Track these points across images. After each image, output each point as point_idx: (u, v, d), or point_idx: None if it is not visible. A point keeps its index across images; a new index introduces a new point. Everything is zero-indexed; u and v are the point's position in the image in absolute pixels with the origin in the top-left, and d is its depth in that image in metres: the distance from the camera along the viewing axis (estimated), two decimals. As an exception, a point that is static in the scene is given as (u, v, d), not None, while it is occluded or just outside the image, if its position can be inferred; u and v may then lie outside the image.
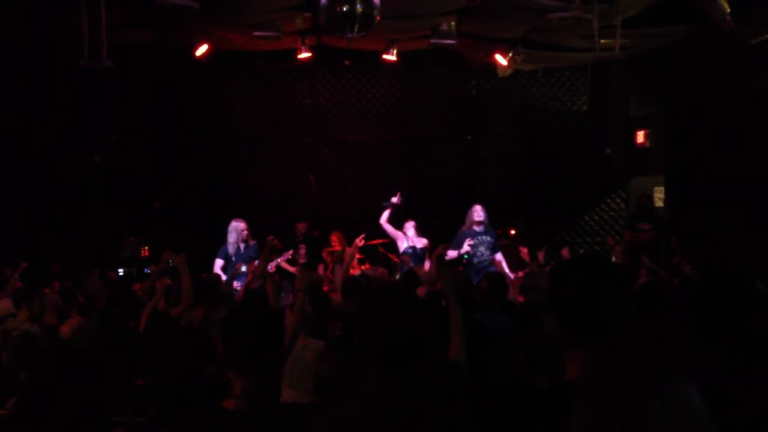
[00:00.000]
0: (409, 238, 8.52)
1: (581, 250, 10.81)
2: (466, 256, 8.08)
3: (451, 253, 8.13)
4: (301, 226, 10.08)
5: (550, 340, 3.21)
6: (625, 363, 1.32)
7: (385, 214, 8.53)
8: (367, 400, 1.96)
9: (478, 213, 8.24)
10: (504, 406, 2.61)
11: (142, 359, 3.10)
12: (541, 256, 7.21)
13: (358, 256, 8.41)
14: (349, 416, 1.95)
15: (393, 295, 2.16)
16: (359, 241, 7.51)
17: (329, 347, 3.80)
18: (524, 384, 2.92)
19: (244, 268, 7.54)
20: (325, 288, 6.75)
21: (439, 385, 2.53)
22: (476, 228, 8.20)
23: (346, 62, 11.24)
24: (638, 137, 10.36)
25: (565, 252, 7.64)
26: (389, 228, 8.57)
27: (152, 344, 3.16)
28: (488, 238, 8.29)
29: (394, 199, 8.54)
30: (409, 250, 8.39)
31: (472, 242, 8.13)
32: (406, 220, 8.63)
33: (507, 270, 7.95)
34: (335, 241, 9.60)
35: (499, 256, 8.19)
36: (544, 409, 2.13)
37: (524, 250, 7.54)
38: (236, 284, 7.01)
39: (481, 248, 8.19)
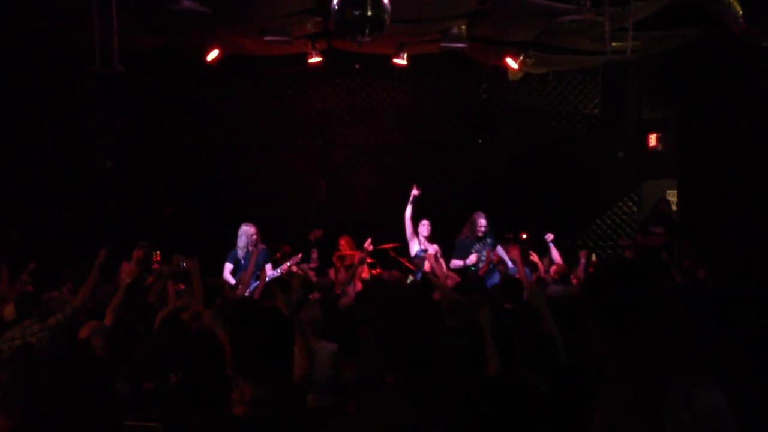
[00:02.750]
0: (422, 241, 8.55)
1: (593, 255, 10.74)
2: (473, 268, 8.20)
3: (456, 263, 8.25)
4: (317, 233, 10.10)
5: (548, 345, 3.20)
6: (649, 364, 1.32)
7: (409, 209, 8.58)
8: (384, 406, 1.94)
9: (481, 227, 8.34)
10: (511, 407, 2.60)
11: (149, 363, 3.09)
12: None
13: (368, 260, 8.43)
14: (366, 422, 1.94)
15: (412, 300, 2.15)
16: (368, 246, 7.52)
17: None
18: (527, 385, 2.90)
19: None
20: (337, 291, 6.80)
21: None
22: (479, 235, 8.35)
23: (357, 66, 11.23)
24: (650, 140, 10.29)
25: (582, 255, 7.74)
26: (408, 225, 8.61)
27: (159, 348, 3.15)
28: (489, 240, 8.42)
29: (414, 192, 8.57)
30: (421, 254, 8.40)
31: (477, 253, 8.25)
32: (421, 219, 8.66)
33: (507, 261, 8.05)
34: (344, 246, 9.60)
35: (500, 250, 8.22)
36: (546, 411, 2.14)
37: (550, 237, 8.06)
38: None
39: (484, 253, 8.29)
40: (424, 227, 8.65)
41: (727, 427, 1.25)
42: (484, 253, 8.27)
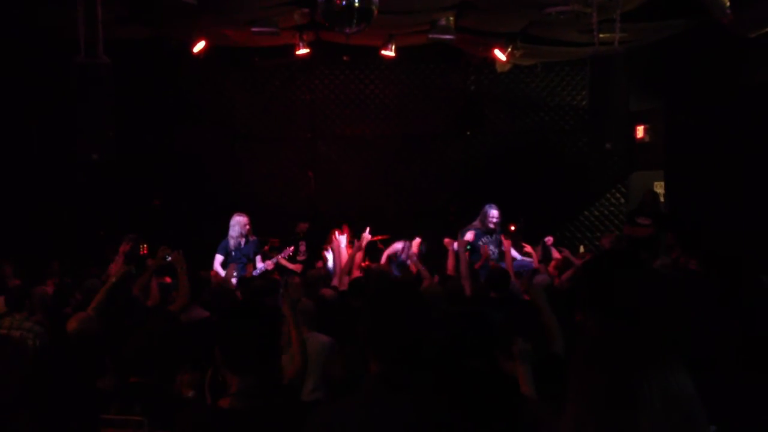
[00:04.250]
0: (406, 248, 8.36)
1: (581, 246, 10.79)
2: (468, 247, 7.97)
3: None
4: (303, 226, 10.07)
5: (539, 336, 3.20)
6: (616, 353, 1.33)
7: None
8: (367, 395, 1.94)
9: (493, 218, 8.19)
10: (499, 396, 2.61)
11: (136, 357, 3.07)
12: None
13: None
14: (349, 411, 1.94)
15: (398, 290, 2.15)
16: (367, 235, 7.50)
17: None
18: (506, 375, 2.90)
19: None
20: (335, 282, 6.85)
21: None
22: (490, 227, 8.21)
23: (345, 58, 11.20)
24: (638, 132, 10.32)
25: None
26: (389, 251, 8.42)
27: (146, 342, 3.13)
28: (497, 236, 8.33)
29: (366, 237, 7.69)
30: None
31: (473, 237, 8.11)
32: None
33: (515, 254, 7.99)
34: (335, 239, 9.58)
35: (506, 245, 8.04)
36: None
37: (550, 240, 8.14)
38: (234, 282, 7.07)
39: (491, 247, 8.16)
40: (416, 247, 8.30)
41: (697, 415, 1.28)
42: (491, 247, 8.17)
